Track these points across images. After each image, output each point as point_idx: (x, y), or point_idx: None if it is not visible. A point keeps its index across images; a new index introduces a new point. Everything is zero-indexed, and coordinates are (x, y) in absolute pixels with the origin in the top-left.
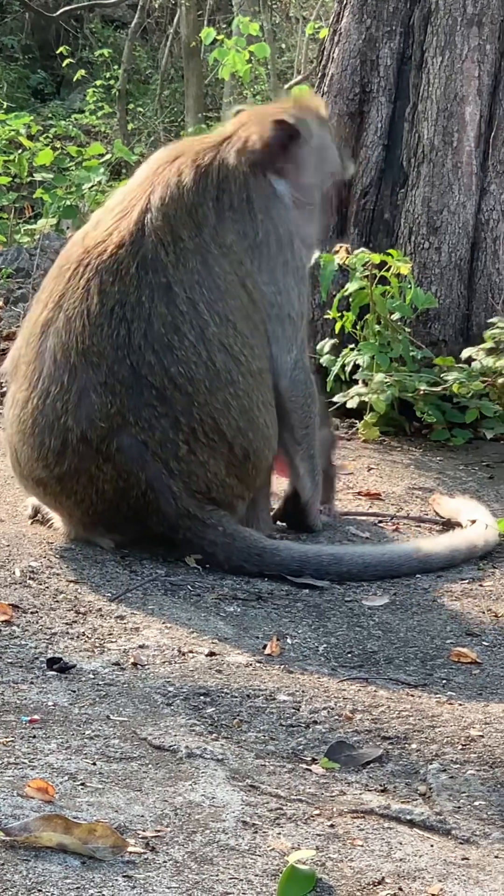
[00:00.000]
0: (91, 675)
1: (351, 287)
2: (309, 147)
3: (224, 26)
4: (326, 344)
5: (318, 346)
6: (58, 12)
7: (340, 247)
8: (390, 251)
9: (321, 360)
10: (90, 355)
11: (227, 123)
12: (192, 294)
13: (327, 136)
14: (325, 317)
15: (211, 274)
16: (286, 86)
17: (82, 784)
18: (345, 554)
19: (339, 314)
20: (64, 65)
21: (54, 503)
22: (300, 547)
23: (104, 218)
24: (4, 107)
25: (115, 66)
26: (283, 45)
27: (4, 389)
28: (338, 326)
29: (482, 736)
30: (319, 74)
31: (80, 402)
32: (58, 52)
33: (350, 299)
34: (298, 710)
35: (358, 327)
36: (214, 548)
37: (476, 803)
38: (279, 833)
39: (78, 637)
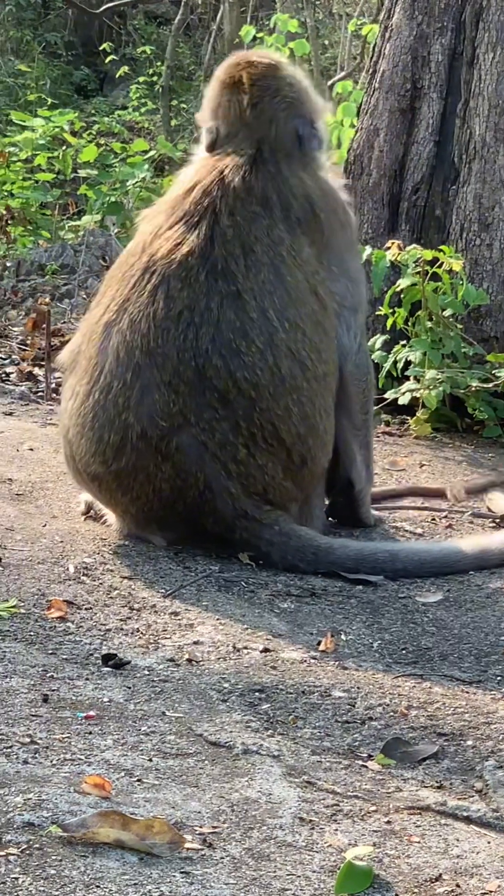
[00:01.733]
0: (146, 672)
1: (403, 283)
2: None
3: (267, 23)
4: (378, 340)
5: (370, 343)
6: (101, 9)
7: (392, 243)
8: (442, 247)
9: (373, 357)
10: (155, 356)
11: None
12: (262, 302)
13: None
14: (377, 313)
15: (283, 283)
16: (329, 82)
17: (139, 780)
18: (400, 551)
19: (391, 310)
20: (107, 61)
21: (109, 499)
22: (356, 544)
23: (163, 230)
24: (49, 103)
25: (159, 63)
26: (327, 42)
27: (55, 382)
28: (389, 323)
29: None
30: (370, 71)
31: (143, 400)
32: (101, 48)
33: (402, 296)
34: (354, 706)
35: (410, 324)
36: (270, 547)
37: None
38: (336, 829)
39: (132, 633)
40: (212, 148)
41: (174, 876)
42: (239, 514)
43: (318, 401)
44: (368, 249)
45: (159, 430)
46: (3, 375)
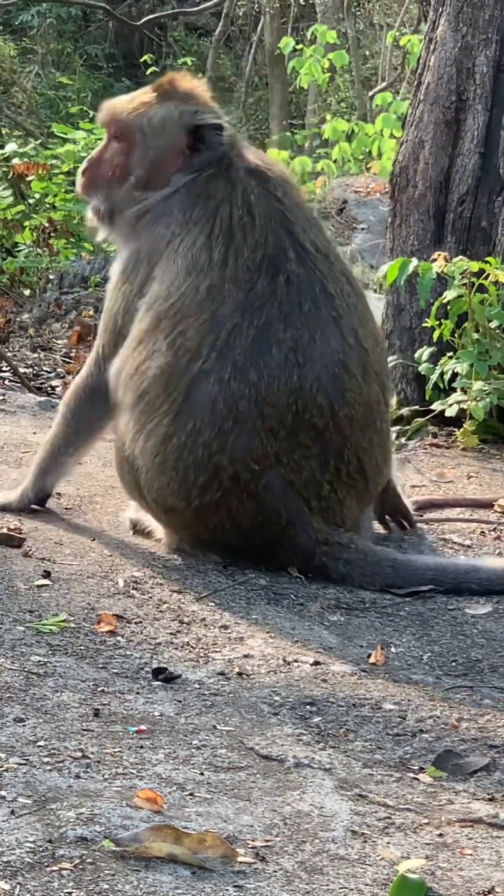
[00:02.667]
0: (196, 685)
1: (449, 295)
2: None
3: (310, 34)
4: (425, 352)
5: (417, 355)
6: (141, 21)
7: (438, 255)
8: (488, 259)
9: (420, 369)
10: (263, 405)
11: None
12: (352, 320)
13: None
14: (424, 325)
15: (355, 289)
16: (370, 93)
17: (191, 794)
18: (482, 565)
19: (437, 322)
20: (148, 73)
21: (179, 525)
22: (430, 557)
23: (245, 263)
24: (90, 116)
25: (199, 74)
26: (367, 52)
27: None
28: (436, 335)
29: None
30: (415, 83)
31: (238, 444)
32: (142, 60)
33: (448, 307)
34: (405, 719)
35: (456, 335)
36: (349, 567)
37: None
38: (388, 842)
39: (182, 647)
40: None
41: (227, 890)
42: (321, 542)
43: (388, 421)
44: (415, 261)
45: (250, 472)
46: (49, 389)
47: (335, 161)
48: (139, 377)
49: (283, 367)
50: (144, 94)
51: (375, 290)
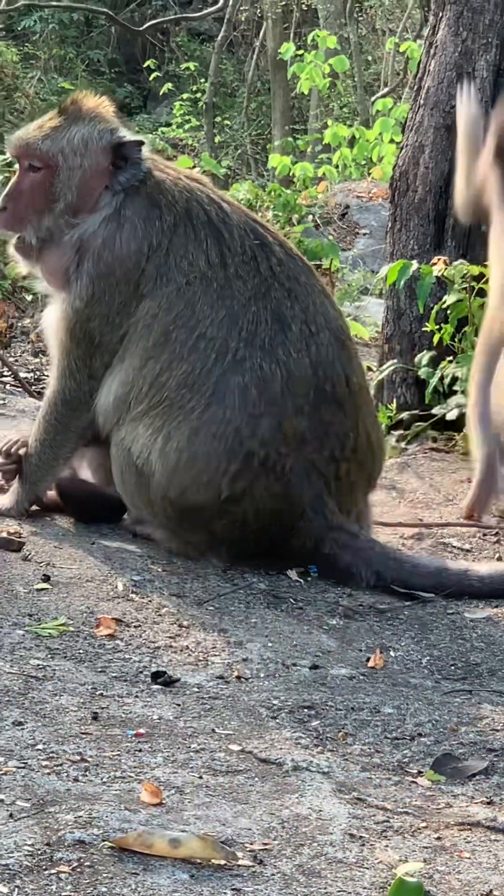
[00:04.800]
0: (195, 689)
1: (449, 299)
2: None
3: (311, 40)
4: (425, 356)
5: (416, 359)
6: (144, 26)
7: (438, 259)
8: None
9: (420, 373)
10: (292, 383)
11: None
12: (330, 299)
13: None
14: (424, 329)
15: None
16: (372, 98)
17: (189, 797)
18: (483, 567)
19: (438, 326)
20: (150, 78)
21: (196, 525)
22: (432, 558)
23: (236, 257)
24: None
25: (202, 80)
26: (370, 58)
27: None
28: (436, 339)
29: None
30: (415, 87)
31: (269, 428)
32: (144, 65)
33: (448, 311)
34: (403, 722)
35: (456, 339)
36: (356, 557)
37: None
38: (386, 846)
39: (181, 651)
40: None
41: (225, 892)
42: (334, 527)
43: None
44: (415, 264)
45: (278, 454)
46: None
47: (336, 167)
48: (156, 389)
49: (301, 340)
50: (51, 120)
51: (376, 295)
